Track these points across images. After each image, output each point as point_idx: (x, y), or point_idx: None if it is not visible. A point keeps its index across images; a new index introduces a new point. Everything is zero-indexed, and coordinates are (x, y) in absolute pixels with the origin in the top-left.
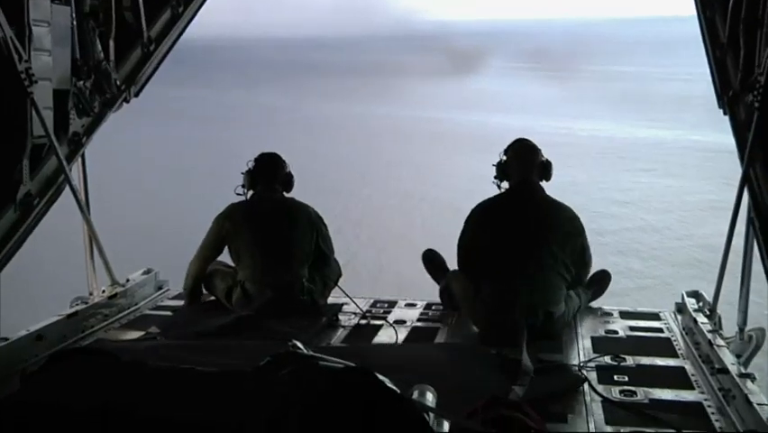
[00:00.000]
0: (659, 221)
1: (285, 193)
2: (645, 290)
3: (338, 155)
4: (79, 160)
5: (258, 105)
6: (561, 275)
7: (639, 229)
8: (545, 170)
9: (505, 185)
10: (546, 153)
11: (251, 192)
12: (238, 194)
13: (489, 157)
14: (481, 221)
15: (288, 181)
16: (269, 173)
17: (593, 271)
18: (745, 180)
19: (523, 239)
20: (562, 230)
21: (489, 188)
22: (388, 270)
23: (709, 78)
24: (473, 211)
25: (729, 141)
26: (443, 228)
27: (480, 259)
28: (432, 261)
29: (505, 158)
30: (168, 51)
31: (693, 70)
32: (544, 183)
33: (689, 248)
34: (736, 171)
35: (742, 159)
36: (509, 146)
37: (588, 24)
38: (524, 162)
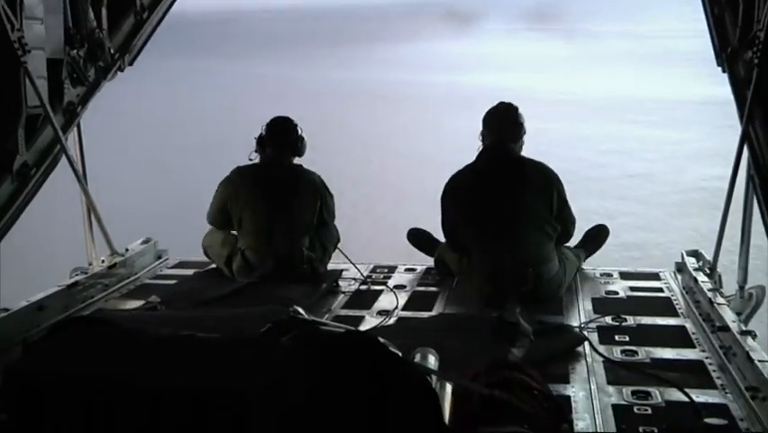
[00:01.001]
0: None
1: (297, 158)
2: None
3: (335, 119)
4: (75, 129)
5: (257, 75)
6: (544, 231)
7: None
8: (521, 131)
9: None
10: (547, 110)
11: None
12: (251, 159)
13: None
14: (457, 192)
15: (298, 146)
16: (278, 137)
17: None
18: (745, 138)
19: (500, 201)
20: (537, 185)
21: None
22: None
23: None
24: (447, 185)
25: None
26: (433, 183)
27: (464, 229)
28: (419, 237)
29: (483, 125)
30: (161, 19)
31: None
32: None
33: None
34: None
35: (741, 116)
36: (486, 114)
37: None
38: (497, 124)
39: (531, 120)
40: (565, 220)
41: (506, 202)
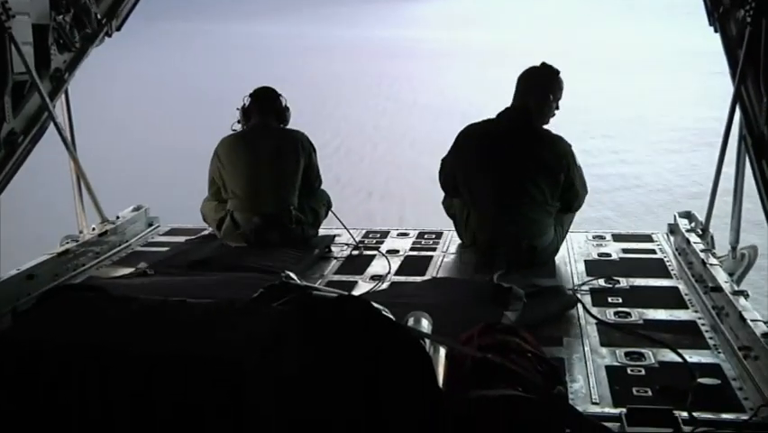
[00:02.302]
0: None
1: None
2: None
3: (342, 75)
4: (63, 96)
5: (257, 34)
6: (543, 210)
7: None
8: (547, 100)
9: None
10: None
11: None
12: (234, 130)
13: (486, 70)
14: (467, 145)
15: (282, 114)
16: (263, 106)
17: None
18: (737, 97)
19: (507, 170)
20: (547, 165)
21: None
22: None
23: None
24: (461, 133)
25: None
26: (444, 132)
27: (464, 183)
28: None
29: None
30: None
31: None
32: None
33: None
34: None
35: (734, 76)
36: (525, 70)
37: None
38: (526, 87)
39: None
40: (570, 197)
41: (509, 175)
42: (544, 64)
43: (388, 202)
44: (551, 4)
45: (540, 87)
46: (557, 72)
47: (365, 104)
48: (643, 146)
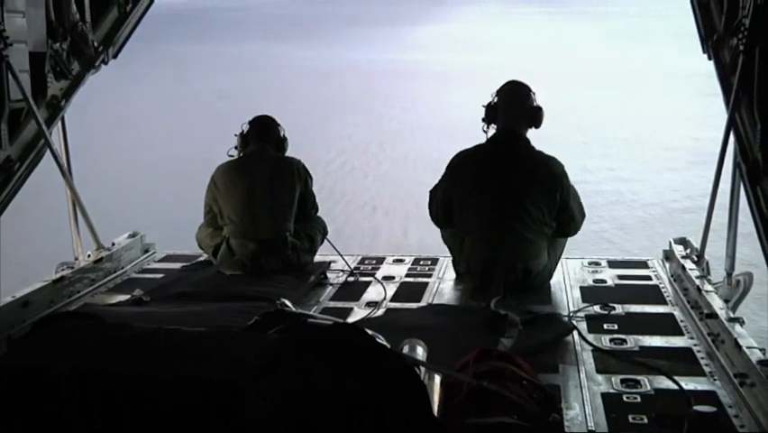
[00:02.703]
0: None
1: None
2: None
3: (349, 94)
4: (59, 124)
5: (270, 55)
6: (539, 231)
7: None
8: (535, 116)
9: (492, 131)
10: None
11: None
12: (230, 156)
13: (477, 91)
14: (460, 171)
15: (281, 143)
16: (260, 135)
17: None
18: (731, 124)
19: (502, 193)
20: (541, 186)
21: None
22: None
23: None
24: (453, 160)
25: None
26: (438, 151)
27: (459, 211)
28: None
29: (495, 100)
30: (145, 11)
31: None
32: (533, 131)
33: None
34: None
35: (727, 103)
36: (500, 88)
37: None
38: (512, 107)
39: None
40: (566, 219)
41: (506, 196)
42: (514, 81)
43: (391, 217)
44: (549, 26)
45: (523, 104)
46: (528, 87)
47: (370, 123)
48: (638, 164)
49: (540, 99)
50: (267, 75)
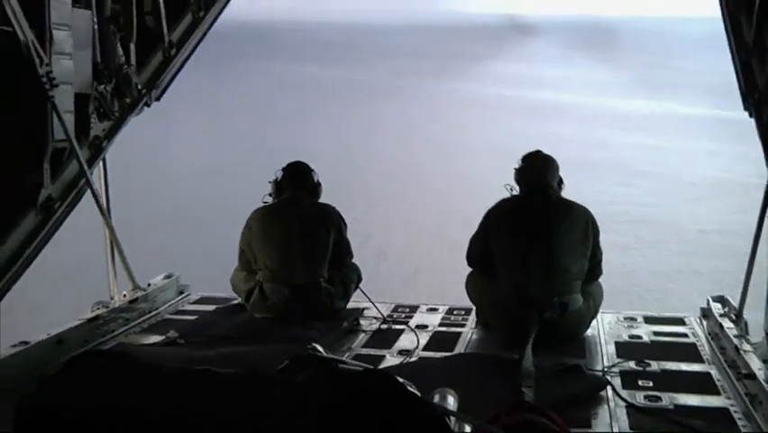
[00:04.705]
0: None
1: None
2: None
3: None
4: (101, 164)
5: (334, 78)
6: (576, 265)
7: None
8: (560, 181)
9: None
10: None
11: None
12: (264, 202)
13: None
14: (498, 221)
15: (315, 189)
16: (295, 180)
17: None
18: None
19: (539, 236)
20: (578, 228)
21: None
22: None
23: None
24: (490, 210)
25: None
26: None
27: (496, 257)
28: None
29: (522, 164)
30: (189, 55)
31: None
32: None
33: None
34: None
35: None
36: (525, 156)
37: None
38: (541, 165)
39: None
40: (596, 262)
41: (544, 234)
42: (539, 151)
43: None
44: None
45: (553, 170)
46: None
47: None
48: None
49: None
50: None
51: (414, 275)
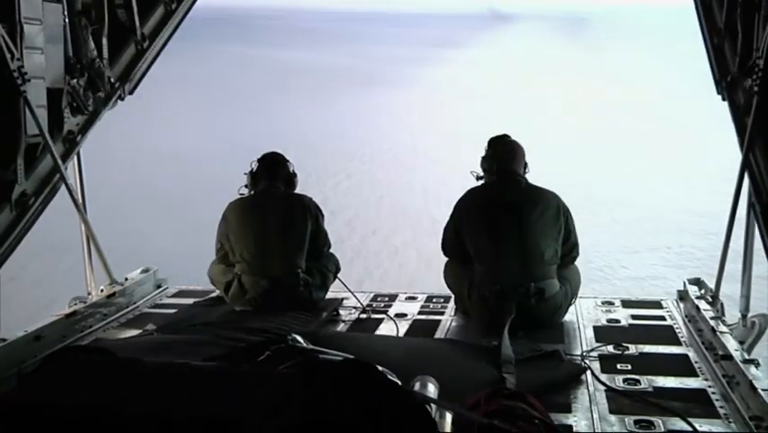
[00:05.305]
0: None
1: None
2: None
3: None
4: (75, 158)
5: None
6: (550, 250)
7: None
8: (525, 164)
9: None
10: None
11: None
12: (241, 194)
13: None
14: (468, 211)
15: (290, 180)
16: (271, 172)
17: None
18: (746, 165)
19: (511, 224)
20: (550, 213)
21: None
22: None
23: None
24: (460, 200)
25: None
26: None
27: (470, 247)
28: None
29: (488, 151)
30: (161, 48)
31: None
32: None
33: None
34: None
35: (741, 144)
36: (491, 140)
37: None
38: (506, 155)
39: None
40: (570, 248)
41: (516, 220)
42: (506, 135)
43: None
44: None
45: (519, 157)
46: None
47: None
48: None
49: None
50: None
51: None
